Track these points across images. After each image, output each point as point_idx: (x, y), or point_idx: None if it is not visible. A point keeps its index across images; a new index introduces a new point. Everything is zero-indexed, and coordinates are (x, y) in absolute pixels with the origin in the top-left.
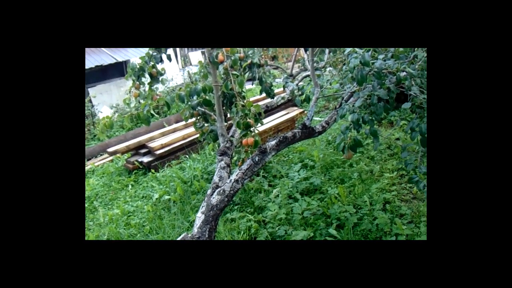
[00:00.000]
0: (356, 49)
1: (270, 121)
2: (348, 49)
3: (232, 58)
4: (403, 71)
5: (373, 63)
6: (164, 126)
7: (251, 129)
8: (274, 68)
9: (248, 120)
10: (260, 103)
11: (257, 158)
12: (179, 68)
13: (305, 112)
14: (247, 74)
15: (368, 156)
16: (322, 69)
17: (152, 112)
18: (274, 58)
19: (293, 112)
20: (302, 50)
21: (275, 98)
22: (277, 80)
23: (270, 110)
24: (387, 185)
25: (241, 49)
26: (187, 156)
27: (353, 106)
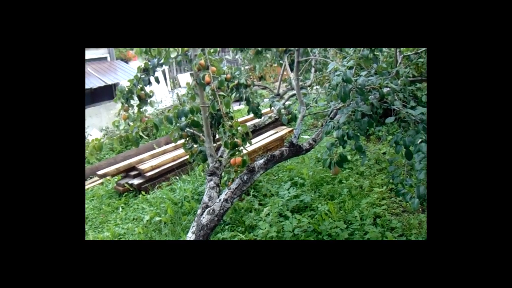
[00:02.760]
0: (339, 66)
1: (259, 141)
2: (330, 66)
3: (219, 79)
4: (386, 87)
5: (356, 80)
6: (154, 148)
7: (240, 148)
8: (262, 88)
9: (236, 140)
10: (248, 123)
11: (245, 177)
12: (168, 90)
13: (294, 130)
14: (234, 94)
15: (358, 172)
16: (309, 88)
17: (141, 134)
18: (261, 78)
19: (282, 131)
20: (288, 69)
21: (263, 117)
22: (265, 100)
23: (258, 130)
24: (377, 199)
25: (228, 69)
26: (177, 177)
27: (337, 122)
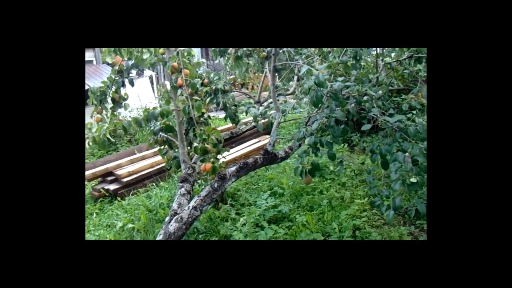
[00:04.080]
0: (313, 69)
1: (240, 149)
2: (303, 69)
3: (192, 82)
4: (365, 94)
5: (332, 85)
6: (135, 153)
7: (210, 155)
8: (247, 96)
9: (206, 145)
10: (230, 131)
11: (216, 185)
12: (155, 96)
13: (278, 140)
14: (208, 99)
15: (339, 183)
16: (292, 95)
17: (108, 137)
18: (243, 85)
19: (265, 140)
20: (270, 76)
21: (238, 124)
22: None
23: (236, 137)
24: (357, 211)
25: (207, 74)
26: (155, 184)
27: (310, 129)
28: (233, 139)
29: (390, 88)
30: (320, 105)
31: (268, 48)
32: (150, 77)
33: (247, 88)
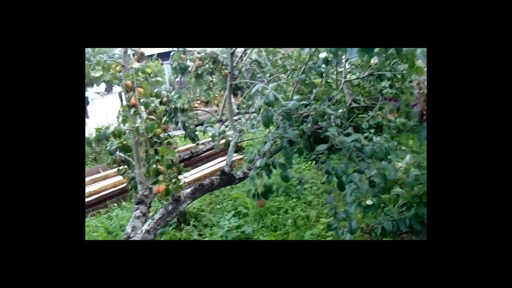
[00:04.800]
0: (266, 86)
1: (205, 168)
2: (256, 87)
3: (146, 101)
4: (323, 113)
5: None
6: (99, 172)
7: (164, 176)
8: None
9: (159, 167)
10: (193, 150)
11: (170, 207)
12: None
13: (245, 158)
14: (165, 118)
15: (305, 202)
16: (255, 114)
17: None
18: (207, 103)
19: (234, 157)
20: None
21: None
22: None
23: (195, 156)
24: (322, 230)
25: (165, 92)
26: (116, 204)
27: (262, 150)
28: (199, 158)
29: (353, 105)
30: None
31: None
32: (120, 94)
33: (214, 106)
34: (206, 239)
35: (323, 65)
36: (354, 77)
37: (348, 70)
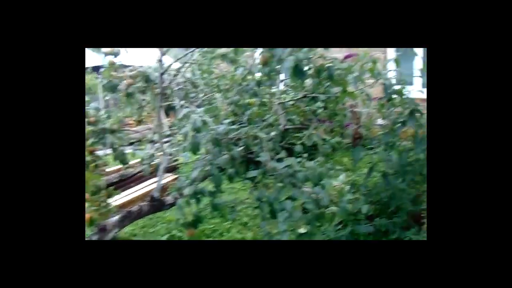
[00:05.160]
0: (195, 110)
1: (138, 190)
2: (183, 112)
3: None
4: (255, 138)
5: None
6: None
7: (109, 200)
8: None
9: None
10: (122, 172)
11: (94, 238)
12: None
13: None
14: (91, 140)
15: (241, 223)
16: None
17: None
18: (140, 122)
19: (167, 178)
20: (163, 115)
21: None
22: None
23: (124, 180)
24: None
25: (93, 111)
26: None
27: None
28: (133, 178)
29: (287, 127)
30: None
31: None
32: None
33: (150, 124)
34: None
35: (256, 87)
36: (289, 98)
37: (283, 90)
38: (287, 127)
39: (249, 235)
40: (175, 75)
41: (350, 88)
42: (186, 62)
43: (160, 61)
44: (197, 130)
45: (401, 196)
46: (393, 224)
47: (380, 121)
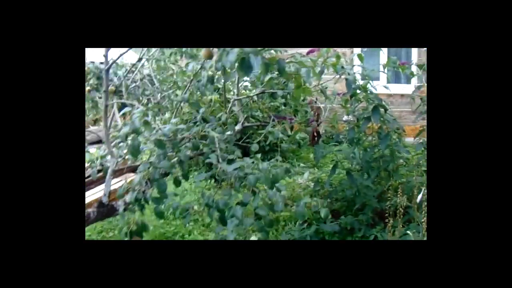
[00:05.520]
0: (139, 108)
1: (96, 193)
2: (123, 110)
3: None
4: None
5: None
6: None
7: None
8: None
9: None
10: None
11: None
12: None
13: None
14: None
15: (203, 224)
16: None
17: None
18: (96, 121)
19: (130, 178)
20: (117, 114)
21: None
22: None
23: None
24: None
25: None
26: None
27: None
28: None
29: (246, 125)
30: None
31: (117, 82)
32: None
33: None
34: None
35: (209, 84)
36: (247, 94)
37: (245, 86)
38: (246, 124)
39: (211, 237)
40: (128, 72)
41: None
42: (141, 58)
43: (105, 56)
44: (136, 131)
45: (366, 193)
46: (358, 221)
47: (346, 117)
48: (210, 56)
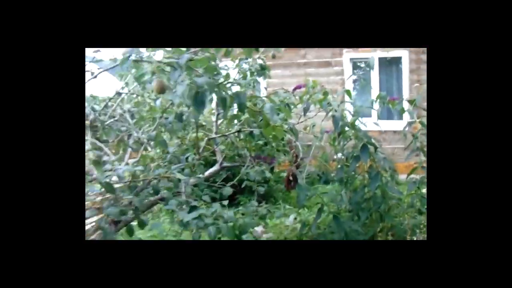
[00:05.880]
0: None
1: None
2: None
3: None
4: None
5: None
6: None
7: None
8: None
9: None
10: None
11: None
12: None
13: None
14: None
15: None
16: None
17: None
18: None
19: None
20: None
21: None
22: None
23: None
24: None
25: None
26: None
27: None
28: None
29: (224, 165)
30: None
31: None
32: None
33: None
34: None
35: (177, 122)
36: (222, 132)
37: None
38: (225, 165)
39: None
40: (105, 106)
41: (274, 120)
42: (118, 92)
43: None
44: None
45: (355, 237)
46: None
47: (335, 156)
48: (162, 90)
